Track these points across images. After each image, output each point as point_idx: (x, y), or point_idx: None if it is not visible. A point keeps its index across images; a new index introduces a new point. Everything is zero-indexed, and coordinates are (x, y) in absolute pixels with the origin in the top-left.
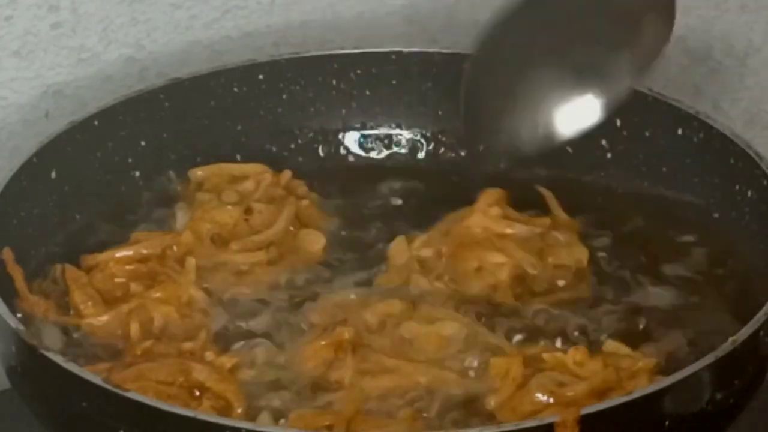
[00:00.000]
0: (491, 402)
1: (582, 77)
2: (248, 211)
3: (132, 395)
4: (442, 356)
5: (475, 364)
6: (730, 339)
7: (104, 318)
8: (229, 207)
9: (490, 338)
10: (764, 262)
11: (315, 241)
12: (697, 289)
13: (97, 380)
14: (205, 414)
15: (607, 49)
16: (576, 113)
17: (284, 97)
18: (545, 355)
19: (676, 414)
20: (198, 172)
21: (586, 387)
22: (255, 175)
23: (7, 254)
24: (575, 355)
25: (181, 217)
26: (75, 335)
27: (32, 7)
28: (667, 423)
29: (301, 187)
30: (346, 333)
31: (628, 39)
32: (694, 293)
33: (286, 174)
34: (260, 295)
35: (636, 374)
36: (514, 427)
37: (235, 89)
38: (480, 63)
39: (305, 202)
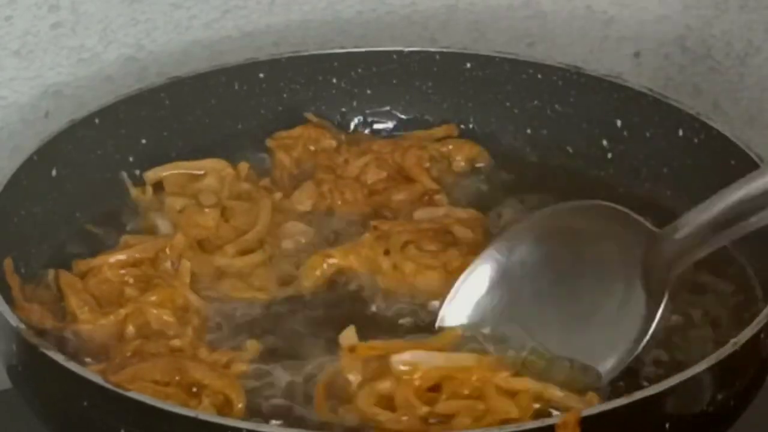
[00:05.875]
0: None
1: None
2: (224, 211)
3: (132, 395)
4: None
5: None
6: (731, 341)
7: (102, 323)
8: (207, 210)
9: None
10: (764, 263)
11: (302, 234)
12: (696, 288)
13: (98, 380)
14: (205, 414)
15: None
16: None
17: (285, 95)
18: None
19: (676, 415)
20: (152, 174)
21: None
22: (215, 171)
23: (7, 264)
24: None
25: (162, 224)
26: (70, 340)
27: (32, 7)
28: (667, 424)
29: (263, 180)
30: None
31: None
32: (693, 293)
33: (244, 166)
34: (272, 296)
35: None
36: (514, 428)
37: (236, 88)
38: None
39: (278, 195)
